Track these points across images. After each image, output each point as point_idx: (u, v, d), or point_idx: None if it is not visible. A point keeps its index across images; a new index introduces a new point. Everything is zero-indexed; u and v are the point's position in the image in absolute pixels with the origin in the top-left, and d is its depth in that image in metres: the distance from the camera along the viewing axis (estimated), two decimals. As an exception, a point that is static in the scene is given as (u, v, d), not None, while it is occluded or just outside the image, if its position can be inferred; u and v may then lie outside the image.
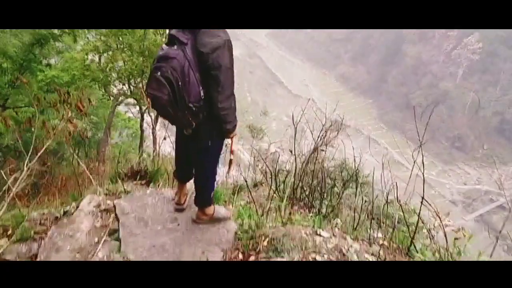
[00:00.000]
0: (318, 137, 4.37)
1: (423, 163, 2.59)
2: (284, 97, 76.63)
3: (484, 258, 2.58)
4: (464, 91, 63.83)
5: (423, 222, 3.00)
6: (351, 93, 76.80)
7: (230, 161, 2.95)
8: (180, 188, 3.29)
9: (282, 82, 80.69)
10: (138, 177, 4.00)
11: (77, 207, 3.23)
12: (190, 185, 3.44)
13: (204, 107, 2.51)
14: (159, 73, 2.34)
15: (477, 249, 3.05)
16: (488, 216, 48.29)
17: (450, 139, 60.14)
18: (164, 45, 2.52)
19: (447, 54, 67.56)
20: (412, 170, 2.73)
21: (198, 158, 2.99)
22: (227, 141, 2.89)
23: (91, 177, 3.89)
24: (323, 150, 4.63)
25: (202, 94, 2.46)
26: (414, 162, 2.67)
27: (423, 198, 2.62)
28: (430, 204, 2.95)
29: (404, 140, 64.57)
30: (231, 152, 2.87)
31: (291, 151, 5.50)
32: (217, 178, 3.14)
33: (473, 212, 50.01)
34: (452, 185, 53.82)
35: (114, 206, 3.17)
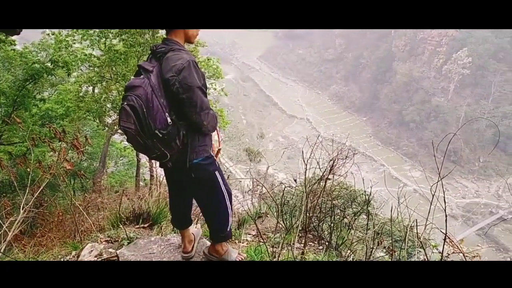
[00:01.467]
0: (327, 167, 4.23)
1: (444, 200, 2.45)
2: (279, 118, 76.96)
3: None
4: (457, 106, 64.37)
5: (443, 256, 2.84)
6: (345, 112, 77.27)
7: (218, 151, 2.89)
8: (183, 235, 3.12)
9: (276, 103, 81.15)
10: (141, 220, 3.82)
11: (78, 256, 3.04)
12: (198, 230, 3.27)
13: (174, 135, 2.45)
14: (125, 103, 2.35)
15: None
16: (489, 229, 48.07)
17: (445, 153, 60.21)
18: (132, 77, 2.54)
19: (437, 69, 68.39)
20: (431, 204, 2.58)
21: (194, 191, 2.88)
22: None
23: (91, 222, 3.70)
24: (329, 179, 4.48)
25: (169, 120, 2.40)
26: (433, 196, 2.52)
27: (445, 234, 2.47)
28: (451, 239, 2.80)
29: (399, 156, 64.97)
30: (219, 143, 2.90)
31: (295, 180, 5.35)
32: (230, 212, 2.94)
33: (473, 226, 49.75)
34: (451, 199, 53.62)
35: (117, 256, 2.98)
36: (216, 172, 2.79)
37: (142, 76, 2.43)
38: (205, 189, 2.80)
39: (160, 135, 2.39)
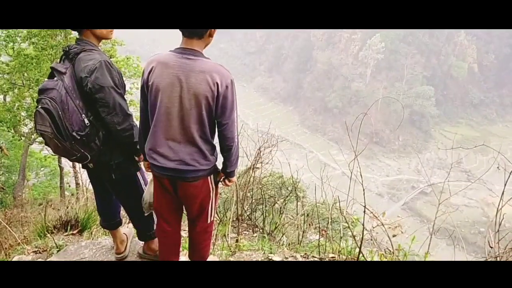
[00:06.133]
0: (255, 155, 4.35)
1: (361, 174, 2.66)
2: (207, 113, 76.37)
3: (431, 258, 2.69)
4: (374, 89, 68.03)
5: (365, 229, 3.07)
6: (271, 103, 78.59)
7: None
8: (114, 235, 3.07)
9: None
10: (69, 227, 3.68)
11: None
12: (130, 230, 3.23)
13: (93, 135, 2.44)
14: (39, 106, 2.33)
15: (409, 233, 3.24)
16: (412, 203, 51.61)
17: (368, 135, 63.57)
18: (45, 79, 2.50)
19: (354, 56, 71.63)
20: (350, 182, 2.79)
21: (116, 192, 2.86)
22: None
23: (15, 235, 3.51)
24: (258, 168, 4.61)
25: (86, 122, 2.40)
26: (352, 172, 2.72)
27: (365, 207, 2.69)
28: (370, 211, 3.03)
29: (326, 141, 67.49)
30: None
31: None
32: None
33: (398, 201, 53.09)
34: (376, 178, 56.75)
35: (48, 266, 2.86)
36: (138, 173, 2.80)
37: (55, 78, 2.40)
38: (125, 190, 2.80)
39: (78, 137, 2.36)
